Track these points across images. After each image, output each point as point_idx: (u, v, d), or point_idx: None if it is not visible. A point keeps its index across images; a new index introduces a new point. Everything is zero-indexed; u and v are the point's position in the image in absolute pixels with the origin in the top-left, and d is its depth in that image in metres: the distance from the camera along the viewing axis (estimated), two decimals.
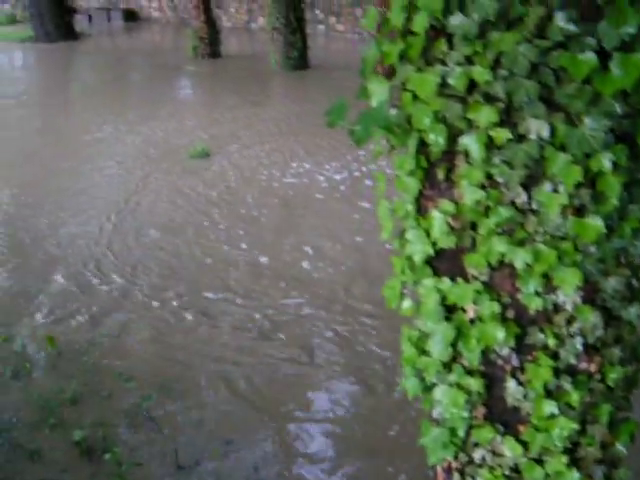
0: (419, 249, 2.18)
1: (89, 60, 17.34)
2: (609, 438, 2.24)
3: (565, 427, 2.12)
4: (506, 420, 2.24)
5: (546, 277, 2.00)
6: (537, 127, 1.86)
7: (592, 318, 2.05)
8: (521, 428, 2.21)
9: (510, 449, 2.22)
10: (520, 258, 1.99)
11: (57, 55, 17.47)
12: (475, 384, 2.20)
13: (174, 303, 5.68)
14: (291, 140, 9.93)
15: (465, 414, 2.24)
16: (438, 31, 1.93)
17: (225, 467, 3.98)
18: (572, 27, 1.76)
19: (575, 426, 2.12)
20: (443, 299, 2.18)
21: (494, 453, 2.27)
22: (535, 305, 2.04)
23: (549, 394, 2.13)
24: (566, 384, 2.12)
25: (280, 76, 14.13)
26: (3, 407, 4.47)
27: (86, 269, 6.26)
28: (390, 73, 2.08)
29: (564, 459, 2.17)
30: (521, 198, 1.96)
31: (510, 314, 2.11)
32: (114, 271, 6.22)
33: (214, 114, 11.47)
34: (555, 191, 1.91)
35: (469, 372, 2.22)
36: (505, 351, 2.15)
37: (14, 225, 7.35)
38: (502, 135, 1.89)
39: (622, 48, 1.75)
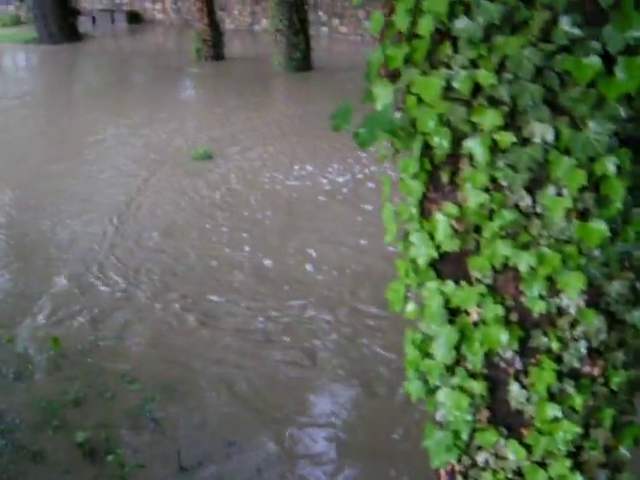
0: (423, 252, 2.18)
1: (93, 62, 17.37)
2: (613, 442, 2.24)
3: (568, 431, 2.11)
4: (509, 423, 2.24)
5: (550, 280, 2.00)
6: (541, 131, 1.86)
7: (596, 322, 2.05)
8: (524, 431, 2.21)
9: (513, 452, 2.22)
10: (524, 261, 1.99)
11: (61, 56, 17.50)
12: (478, 387, 2.20)
13: (177, 305, 5.69)
14: (294, 142, 9.93)
15: (468, 417, 2.24)
16: (443, 34, 1.93)
17: (228, 469, 3.98)
18: (577, 31, 1.76)
19: (578, 430, 2.12)
20: (447, 302, 2.18)
21: (497, 456, 2.27)
22: (539, 308, 2.04)
23: (552, 397, 2.13)
24: (569, 388, 2.12)
25: (283, 78, 14.15)
26: (6, 408, 4.48)
27: (89, 271, 6.27)
28: (393, 75, 2.08)
29: (567, 463, 2.17)
30: (525, 201, 1.96)
31: (514, 317, 2.11)
32: (117, 273, 6.23)
33: (217, 116, 11.48)
34: (559, 195, 1.91)
35: (472, 375, 2.22)
36: (509, 354, 2.15)
37: (16, 227, 7.36)
38: (506, 138, 1.89)
39: (627, 52, 1.75)
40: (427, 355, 2.27)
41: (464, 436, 2.28)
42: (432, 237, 2.15)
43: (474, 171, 1.98)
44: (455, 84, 1.91)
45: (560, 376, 2.10)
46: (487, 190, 1.98)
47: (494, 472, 2.28)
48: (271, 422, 4.34)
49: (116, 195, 8.15)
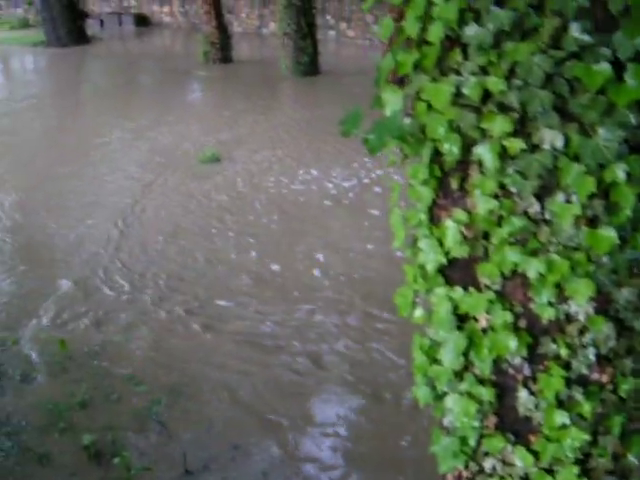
0: (432, 258, 2.18)
1: (100, 64, 17.44)
2: (621, 449, 2.23)
3: (576, 438, 2.11)
4: (517, 430, 2.23)
5: (559, 287, 2.00)
6: (551, 137, 1.86)
7: (604, 329, 2.04)
8: (532, 438, 2.20)
9: (521, 459, 2.21)
10: (533, 268, 1.99)
11: (69, 59, 17.56)
12: (486, 393, 2.20)
13: (183, 309, 5.69)
14: (301, 146, 9.93)
15: (476, 423, 2.24)
16: (453, 41, 1.93)
17: (233, 472, 3.98)
18: (587, 38, 1.76)
19: (586, 437, 2.11)
20: (455, 308, 2.18)
21: (505, 463, 2.26)
22: (548, 315, 2.03)
23: (561, 404, 2.12)
24: (578, 394, 2.11)
25: (290, 81, 14.16)
26: (13, 411, 4.49)
27: (94, 274, 6.28)
28: (401, 81, 2.08)
29: (575, 470, 2.16)
30: (534, 208, 1.96)
31: (522, 324, 2.11)
32: (122, 277, 6.24)
33: (224, 119, 11.49)
34: (568, 201, 1.91)
35: (481, 381, 2.22)
36: (517, 361, 2.14)
37: (22, 229, 7.38)
38: (516, 145, 1.89)
39: (637, 59, 1.75)
40: (435, 361, 2.28)
41: (471, 442, 2.28)
42: (441, 243, 2.16)
43: (483, 178, 1.98)
44: (465, 90, 1.92)
45: (569, 383, 2.10)
46: (496, 197, 1.98)
47: (501, 478, 2.27)
48: (277, 426, 4.34)
49: (122, 198, 8.16)
